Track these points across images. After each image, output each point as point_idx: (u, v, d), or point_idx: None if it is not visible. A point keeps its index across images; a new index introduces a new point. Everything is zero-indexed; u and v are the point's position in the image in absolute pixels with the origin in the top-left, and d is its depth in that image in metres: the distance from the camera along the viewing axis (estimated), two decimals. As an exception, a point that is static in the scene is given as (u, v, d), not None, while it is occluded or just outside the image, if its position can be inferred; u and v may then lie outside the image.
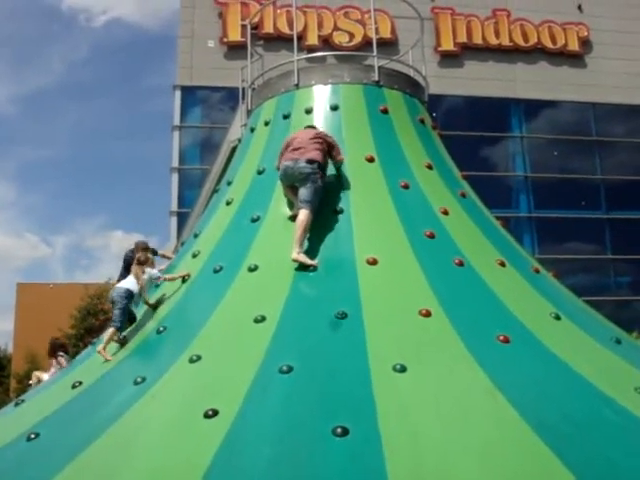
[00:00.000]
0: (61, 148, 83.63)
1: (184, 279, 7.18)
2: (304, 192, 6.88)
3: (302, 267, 6.52)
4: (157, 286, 7.51)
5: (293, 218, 6.94)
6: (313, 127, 7.66)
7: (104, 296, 26.99)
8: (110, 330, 6.72)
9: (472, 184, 8.74)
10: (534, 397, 5.05)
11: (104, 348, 6.57)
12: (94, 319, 26.32)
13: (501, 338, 5.67)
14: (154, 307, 7.07)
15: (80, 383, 6.10)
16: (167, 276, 7.37)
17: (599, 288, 27.19)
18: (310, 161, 6.96)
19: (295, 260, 6.54)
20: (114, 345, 6.75)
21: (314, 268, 6.51)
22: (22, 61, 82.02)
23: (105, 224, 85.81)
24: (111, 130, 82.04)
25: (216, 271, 6.93)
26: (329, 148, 7.33)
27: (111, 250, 74.64)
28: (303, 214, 6.77)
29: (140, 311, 7.27)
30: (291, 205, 7.20)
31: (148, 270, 7.22)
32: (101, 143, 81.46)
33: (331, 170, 7.51)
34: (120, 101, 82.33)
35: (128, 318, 6.96)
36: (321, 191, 7.00)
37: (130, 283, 7.06)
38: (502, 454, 4.43)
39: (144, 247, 8.13)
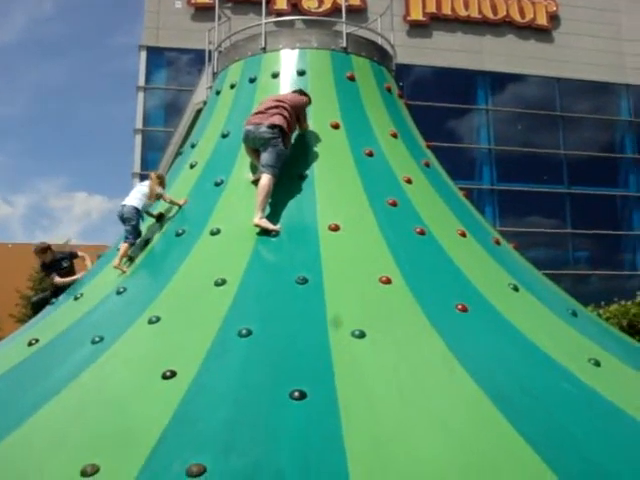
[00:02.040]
0: (22, 107, 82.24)
1: (180, 207, 7.35)
2: (266, 156, 6.85)
3: (264, 232, 6.51)
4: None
5: (255, 182, 6.91)
6: (301, 92, 7.62)
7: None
8: (124, 245, 7.12)
9: (437, 154, 8.77)
10: (491, 367, 5.10)
11: (119, 263, 6.94)
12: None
13: (459, 307, 5.72)
14: (158, 218, 7.50)
15: (37, 340, 6.05)
16: (168, 197, 7.51)
17: (558, 262, 27.55)
18: (271, 126, 6.91)
19: (257, 225, 6.53)
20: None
21: (276, 233, 6.50)
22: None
23: (68, 185, 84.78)
24: (75, 89, 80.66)
25: (178, 234, 6.90)
26: (297, 117, 7.30)
27: (74, 211, 73.78)
28: (265, 179, 6.74)
29: (104, 270, 7.23)
30: (254, 169, 7.17)
31: (157, 187, 7.53)
32: (65, 102, 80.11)
33: (295, 135, 7.49)
34: (85, 60, 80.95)
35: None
36: (284, 156, 6.96)
37: (136, 200, 7.39)
38: (458, 421, 4.48)
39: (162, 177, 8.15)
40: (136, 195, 7.45)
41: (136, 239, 7.25)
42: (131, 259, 7.10)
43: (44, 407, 4.83)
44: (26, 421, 4.70)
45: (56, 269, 8.83)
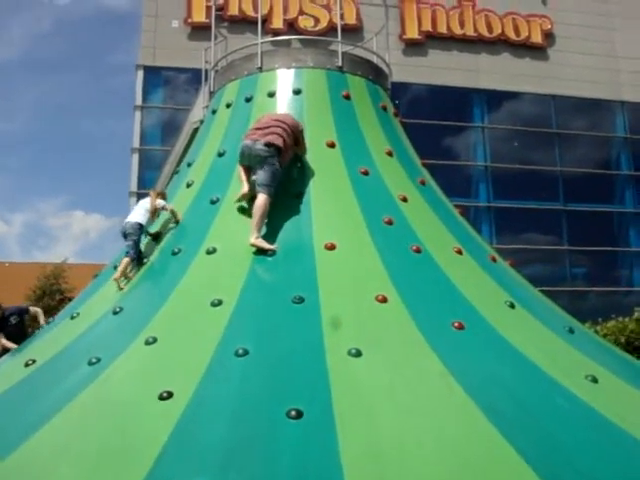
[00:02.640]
0: (20, 124, 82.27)
1: (178, 222, 7.42)
2: (261, 175, 6.85)
3: (260, 251, 6.51)
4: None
5: (241, 200, 6.97)
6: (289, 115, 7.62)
7: (61, 276, 26.69)
8: (125, 260, 7.13)
9: (432, 172, 8.80)
10: (486, 383, 5.12)
11: (119, 277, 6.96)
12: (50, 299, 25.98)
13: (456, 325, 5.73)
14: (154, 237, 7.50)
15: (34, 361, 6.04)
16: (169, 206, 7.54)
17: (555, 279, 27.52)
18: (268, 144, 6.92)
19: (253, 245, 6.53)
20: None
21: (272, 252, 6.51)
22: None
23: (65, 203, 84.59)
24: (73, 107, 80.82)
25: (174, 253, 6.90)
26: (296, 140, 7.31)
27: (72, 230, 73.72)
28: (261, 198, 6.74)
29: (100, 289, 7.24)
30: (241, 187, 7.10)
31: (158, 200, 7.59)
32: (62, 120, 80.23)
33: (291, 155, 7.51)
34: (84, 77, 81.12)
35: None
36: (279, 175, 6.96)
37: (140, 216, 7.43)
38: (454, 438, 4.50)
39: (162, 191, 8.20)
40: (140, 211, 7.49)
41: (137, 254, 7.24)
42: (127, 277, 7.10)
43: (42, 428, 4.83)
44: (25, 441, 4.70)
45: (3, 327, 8.54)
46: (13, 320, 8.65)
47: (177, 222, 7.44)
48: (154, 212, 7.51)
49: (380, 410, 4.72)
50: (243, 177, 7.05)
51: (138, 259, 7.24)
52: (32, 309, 9.16)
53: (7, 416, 5.24)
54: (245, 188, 6.96)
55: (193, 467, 4.19)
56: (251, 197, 6.94)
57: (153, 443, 4.39)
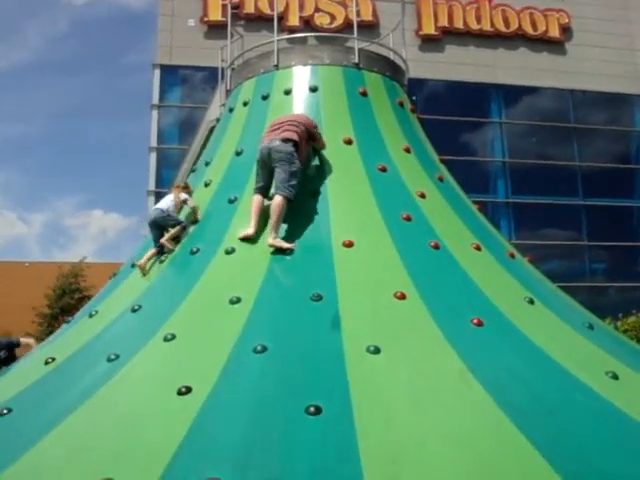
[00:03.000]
0: (39, 124, 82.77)
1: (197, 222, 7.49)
2: (280, 175, 6.83)
3: (279, 250, 6.52)
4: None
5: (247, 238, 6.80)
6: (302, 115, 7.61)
7: (79, 275, 26.82)
8: (153, 250, 7.40)
9: (450, 168, 8.77)
10: (506, 380, 5.10)
11: (144, 263, 7.26)
12: (69, 298, 26.15)
13: (475, 321, 5.71)
14: (195, 221, 7.52)
15: (53, 359, 6.07)
16: (191, 202, 7.60)
17: (574, 274, 27.38)
18: (285, 140, 6.92)
19: (271, 245, 6.54)
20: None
21: (290, 251, 6.51)
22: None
23: (84, 203, 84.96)
24: (91, 107, 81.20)
25: (193, 253, 6.92)
26: (310, 136, 7.30)
27: (90, 229, 74.10)
28: (278, 199, 6.73)
29: (119, 287, 7.27)
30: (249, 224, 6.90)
31: (182, 194, 7.68)
32: (80, 120, 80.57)
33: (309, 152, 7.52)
34: (100, 78, 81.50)
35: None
36: (299, 173, 6.94)
37: (165, 204, 7.58)
38: (473, 435, 4.48)
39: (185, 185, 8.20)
40: (167, 201, 7.62)
41: (182, 224, 7.40)
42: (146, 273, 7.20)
43: (61, 424, 4.86)
44: (43, 437, 4.73)
45: None
46: (2, 355, 8.48)
47: (196, 221, 7.47)
48: (178, 206, 7.60)
49: (399, 407, 4.71)
50: (255, 214, 6.85)
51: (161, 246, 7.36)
52: (23, 341, 9.01)
53: (26, 413, 5.27)
54: (252, 229, 6.76)
55: (211, 464, 4.20)
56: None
57: (171, 439, 4.41)
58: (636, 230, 29.83)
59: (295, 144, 6.96)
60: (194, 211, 7.52)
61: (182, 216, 7.61)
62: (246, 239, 6.71)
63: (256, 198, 6.93)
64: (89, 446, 4.59)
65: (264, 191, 6.99)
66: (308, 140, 7.31)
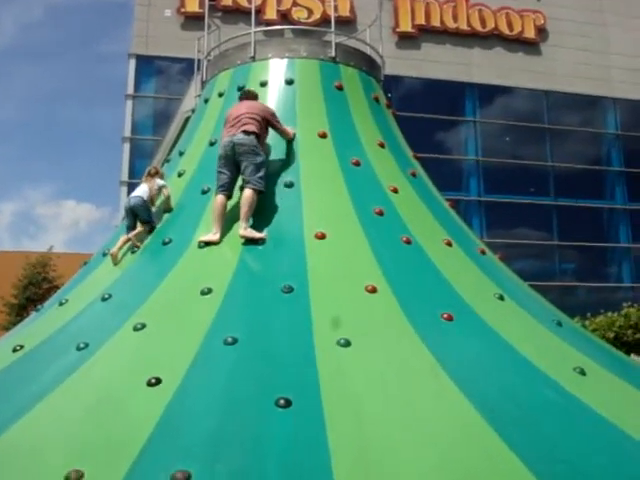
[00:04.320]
0: (12, 111, 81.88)
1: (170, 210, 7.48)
2: (247, 168, 6.81)
3: (251, 240, 6.51)
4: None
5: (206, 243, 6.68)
6: (251, 98, 7.53)
7: (48, 264, 26.59)
8: (123, 237, 7.33)
9: (424, 165, 8.80)
10: (476, 375, 5.14)
11: (117, 252, 7.19)
12: (37, 288, 25.92)
13: (445, 316, 5.74)
14: (168, 210, 7.53)
15: (21, 347, 6.01)
16: (167, 191, 7.56)
17: (545, 273, 27.65)
18: (246, 132, 6.91)
19: (243, 236, 6.53)
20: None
21: (262, 241, 6.51)
22: (-28, 21, 79.86)
23: (56, 192, 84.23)
24: (65, 95, 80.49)
25: (165, 243, 6.89)
26: (270, 124, 7.30)
27: (62, 219, 73.46)
28: (247, 192, 6.72)
29: (89, 276, 7.22)
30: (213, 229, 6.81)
31: (157, 180, 7.62)
32: (54, 108, 79.88)
33: (282, 144, 7.52)
34: (74, 65, 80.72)
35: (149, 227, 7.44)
36: (265, 164, 6.93)
37: (143, 192, 7.50)
38: (442, 429, 4.50)
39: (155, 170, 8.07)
40: (143, 188, 7.55)
41: (153, 220, 7.40)
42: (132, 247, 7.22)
43: (28, 413, 4.80)
44: (10, 427, 4.67)
45: None
46: None
47: (169, 210, 7.44)
48: (154, 193, 7.56)
49: (368, 400, 4.72)
50: (218, 217, 6.74)
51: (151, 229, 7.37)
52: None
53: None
54: (217, 234, 6.65)
55: (180, 456, 4.16)
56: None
57: (140, 430, 4.37)
58: (606, 231, 30.19)
59: (257, 136, 6.95)
60: (167, 200, 7.49)
61: (157, 203, 7.61)
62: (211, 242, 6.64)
63: (219, 199, 6.82)
64: (56, 437, 4.55)
65: (227, 190, 6.91)
66: (266, 129, 7.28)
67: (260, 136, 7.03)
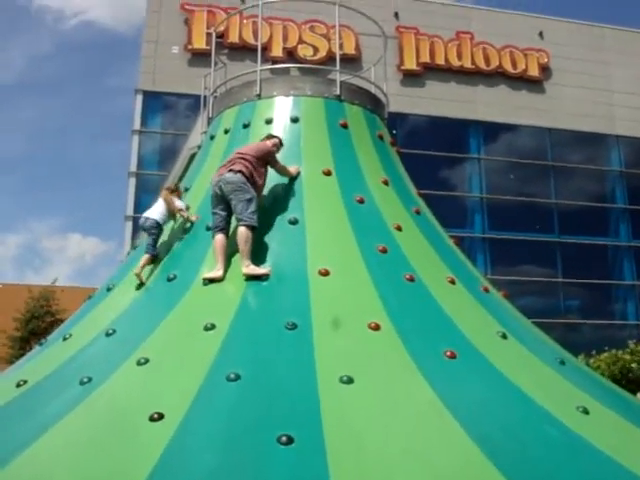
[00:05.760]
0: (17, 144, 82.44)
1: (192, 223, 7.63)
2: (237, 206, 6.90)
3: (254, 277, 6.55)
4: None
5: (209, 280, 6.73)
6: (268, 136, 7.70)
7: (52, 298, 26.56)
8: (145, 256, 7.35)
9: (429, 202, 8.84)
10: (477, 412, 5.13)
11: (140, 272, 7.18)
12: (40, 321, 25.88)
13: (448, 354, 5.75)
14: (189, 219, 7.70)
15: (25, 382, 6.01)
16: (186, 212, 7.72)
17: (549, 310, 27.51)
18: (233, 171, 7.01)
19: (246, 274, 6.57)
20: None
21: (266, 277, 6.54)
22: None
23: (61, 226, 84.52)
24: (73, 129, 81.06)
25: (170, 279, 6.93)
26: (267, 163, 7.38)
27: (67, 252, 73.55)
28: (241, 230, 6.79)
29: (93, 311, 7.25)
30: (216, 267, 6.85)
31: (176, 201, 7.78)
32: (62, 141, 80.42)
33: (286, 181, 7.61)
34: (83, 100, 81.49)
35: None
36: (255, 200, 6.99)
37: (157, 214, 7.64)
38: (444, 466, 4.50)
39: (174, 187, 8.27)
40: (159, 209, 7.69)
41: (156, 251, 7.46)
42: (140, 279, 7.21)
43: (30, 446, 4.80)
44: (10, 461, 4.66)
45: None
46: None
47: (192, 223, 7.64)
48: (172, 213, 7.71)
49: (370, 437, 4.72)
50: (220, 255, 6.83)
51: (155, 256, 7.43)
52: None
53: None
54: (220, 271, 6.72)
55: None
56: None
57: (142, 466, 4.37)
58: (610, 268, 30.11)
59: (244, 174, 7.02)
60: (189, 220, 7.67)
61: (169, 223, 7.81)
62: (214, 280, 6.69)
63: (218, 238, 6.92)
64: (57, 471, 4.55)
65: (223, 229, 7.01)
66: (263, 168, 7.35)
67: (250, 174, 7.09)
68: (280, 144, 7.65)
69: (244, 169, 7.04)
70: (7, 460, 4.67)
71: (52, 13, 77.53)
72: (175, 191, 7.99)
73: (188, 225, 7.69)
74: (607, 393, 6.64)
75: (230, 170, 7.03)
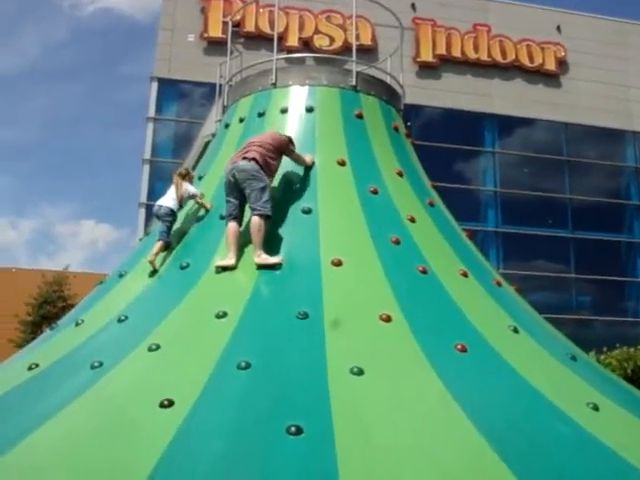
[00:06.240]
0: (33, 131, 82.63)
1: (207, 210, 7.65)
2: (251, 195, 6.87)
3: (267, 266, 6.55)
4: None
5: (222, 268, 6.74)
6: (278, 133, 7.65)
7: (64, 283, 26.67)
8: (159, 243, 7.35)
9: (442, 195, 8.80)
10: (487, 407, 5.12)
11: (154, 259, 7.19)
12: (52, 306, 25.98)
13: (459, 347, 5.73)
14: (203, 206, 7.73)
15: (37, 365, 6.04)
16: (199, 196, 7.75)
17: (561, 306, 27.43)
18: (247, 159, 6.98)
19: (259, 264, 6.58)
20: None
21: (279, 266, 6.53)
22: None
23: (76, 212, 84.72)
24: (87, 116, 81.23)
25: (182, 267, 6.94)
26: (282, 153, 7.37)
27: (80, 239, 73.85)
28: (254, 220, 6.78)
29: (105, 297, 7.27)
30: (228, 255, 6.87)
31: (186, 185, 7.77)
32: (76, 128, 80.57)
33: (301, 170, 7.60)
34: (97, 87, 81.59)
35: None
36: (268, 188, 6.97)
37: (171, 201, 7.63)
38: (452, 460, 4.49)
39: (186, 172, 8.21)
40: (171, 195, 7.70)
41: (170, 238, 7.47)
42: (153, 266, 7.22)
43: (36, 431, 4.81)
44: (19, 444, 4.68)
45: None
46: None
47: (207, 210, 7.64)
48: (181, 199, 7.70)
49: (379, 429, 4.72)
50: (232, 243, 6.84)
51: (169, 243, 7.45)
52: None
53: (4, 418, 5.22)
54: (232, 259, 6.73)
55: None
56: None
57: (151, 452, 4.39)
58: (624, 265, 29.98)
59: (258, 162, 6.99)
60: (202, 205, 7.71)
61: (183, 210, 7.84)
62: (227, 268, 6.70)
63: (230, 226, 6.92)
64: (62, 456, 4.55)
65: (236, 217, 7.00)
66: (278, 157, 7.34)
67: (264, 162, 7.06)
68: (290, 142, 7.57)
69: (258, 157, 7.02)
70: (10, 446, 4.67)
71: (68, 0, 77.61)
72: (186, 175, 7.96)
73: (202, 213, 7.70)
74: (618, 390, 6.61)
75: (244, 158, 7.01)
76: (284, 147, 7.38)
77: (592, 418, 5.30)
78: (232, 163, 7.09)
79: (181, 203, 7.74)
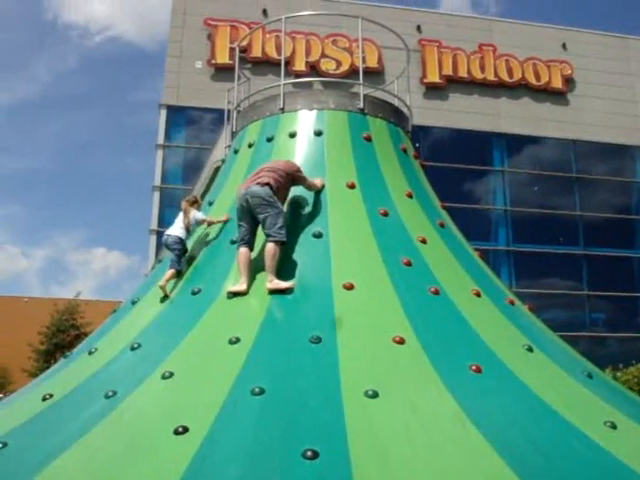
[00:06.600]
0: (43, 159, 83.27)
1: (225, 223, 7.75)
2: (265, 221, 6.87)
3: (279, 291, 6.55)
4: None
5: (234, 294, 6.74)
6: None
7: (76, 311, 26.74)
8: (170, 271, 7.42)
9: (452, 215, 8.81)
10: (503, 427, 5.08)
11: (165, 285, 7.26)
12: (64, 335, 26.04)
13: (473, 368, 5.70)
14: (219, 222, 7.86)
15: (51, 396, 6.04)
16: (208, 218, 7.87)
17: (575, 324, 27.31)
18: (261, 184, 6.97)
19: (270, 290, 6.57)
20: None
21: (291, 291, 6.53)
22: (8, 70, 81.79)
23: (86, 239, 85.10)
24: (97, 143, 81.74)
25: (194, 293, 6.94)
26: (294, 179, 7.38)
27: (91, 266, 74.03)
28: (269, 246, 6.77)
29: (118, 325, 7.27)
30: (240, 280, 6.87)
31: (194, 211, 7.86)
32: (86, 156, 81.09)
33: (311, 194, 7.61)
34: (107, 115, 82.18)
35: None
36: (282, 214, 6.99)
37: (179, 229, 7.73)
38: (469, 481, 4.46)
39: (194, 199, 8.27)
40: (179, 224, 7.78)
41: (181, 266, 7.52)
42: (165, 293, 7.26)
43: (54, 461, 4.81)
44: (36, 475, 4.67)
45: None
46: None
47: (225, 222, 7.76)
48: (188, 226, 7.77)
49: (395, 452, 4.68)
50: (244, 269, 6.83)
51: (179, 271, 7.49)
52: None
53: (21, 449, 5.21)
54: (244, 285, 6.72)
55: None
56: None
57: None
58: (636, 280, 29.83)
59: (272, 187, 6.99)
60: (216, 223, 7.82)
61: (194, 236, 7.90)
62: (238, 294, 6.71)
63: (242, 252, 6.91)
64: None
65: (248, 243, 7.00)
66: (289, 185, 7.36)
67: (277, 188, 7.07)
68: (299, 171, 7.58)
69: (272, 182, 7.02)
70: (32, 475, 4.67)
71: (77, 29, 78.36)
72: (195, 202, 8.02)
73: (212, 237, 7.71)
74: (636, 407, 6.54)
75: (257, 183, 7.02)
76: (295, 174, 7.39)
77: (610, 436, 5.25)
78: (245, 188, 7.08)
79: (189, 230, 7.77)
